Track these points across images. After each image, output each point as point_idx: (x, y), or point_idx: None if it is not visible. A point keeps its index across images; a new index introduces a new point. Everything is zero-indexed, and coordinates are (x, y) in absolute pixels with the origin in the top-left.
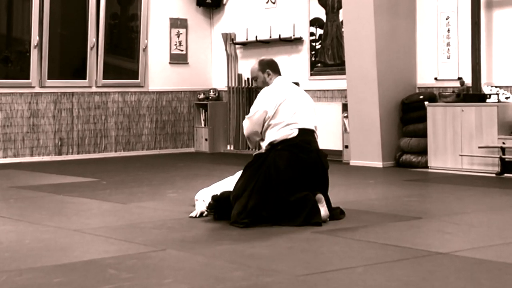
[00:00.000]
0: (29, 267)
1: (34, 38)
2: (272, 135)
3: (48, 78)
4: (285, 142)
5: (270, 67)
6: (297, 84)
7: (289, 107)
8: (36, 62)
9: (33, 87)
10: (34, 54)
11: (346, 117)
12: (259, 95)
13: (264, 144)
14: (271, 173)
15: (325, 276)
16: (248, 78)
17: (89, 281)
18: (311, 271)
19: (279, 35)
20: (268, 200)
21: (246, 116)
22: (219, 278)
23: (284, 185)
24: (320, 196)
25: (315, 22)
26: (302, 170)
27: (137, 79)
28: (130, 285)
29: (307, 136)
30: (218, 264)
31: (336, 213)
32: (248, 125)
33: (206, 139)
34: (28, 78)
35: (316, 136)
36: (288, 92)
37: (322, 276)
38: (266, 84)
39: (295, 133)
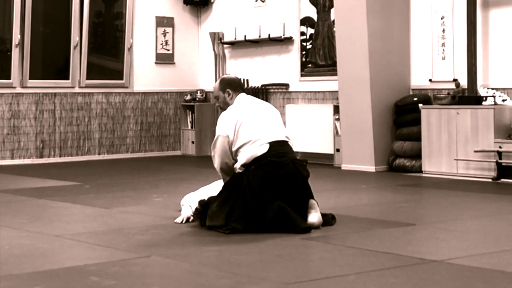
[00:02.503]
0: (8, 273)
1: (16, 37)
2: (243, 157)
3: (30, 78)
4: (257, 161)
5: (230, 87)
6: (286, 86)
7: (251, 124)
8: (18, 61)
9: (14, 87)
10: (15, 53)
11: (338, 119)
12: (218, 122)
13: (237, 166)
14: (247, 197)
15: (315, 284)
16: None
17: None
18: (301, 279)
19: (269, 35)
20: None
21: (212, 150)
22: (205, 286)
23: (260, 207)
24: (313, 202)
25: (305, 21)
26: (279, 186)
27: (122, 79)
28: None
29: (280, 148)
30: (205, 272)
31: (328, 219)
32: (216, 159)
33: (193, 142)
34: (9, 78)
35: (291, 145)
36: (248, 109)
37: (312, 284)
38: (226, 104)
39: (265, 148)
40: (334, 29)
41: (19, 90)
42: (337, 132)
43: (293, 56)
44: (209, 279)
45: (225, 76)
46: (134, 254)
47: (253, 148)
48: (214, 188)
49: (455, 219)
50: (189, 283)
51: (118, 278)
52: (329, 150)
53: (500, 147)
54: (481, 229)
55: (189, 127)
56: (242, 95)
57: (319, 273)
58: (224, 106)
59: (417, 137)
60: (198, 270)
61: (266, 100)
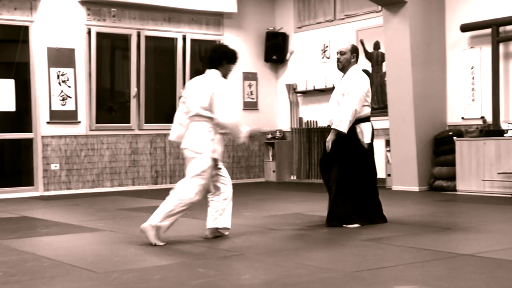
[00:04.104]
0: (134, 267)
1: (133, 90)
2: None
3: (145, 122)
4: None
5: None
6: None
7: None
8: (135, 109)
9: (133, 129)
10: (133, 103)
11: (389, 151)
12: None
13: None
14: None
15: (372, 272)
16: (307, 121)
17: (183, 277)
18: (361, 268)
19: (333, 85)
20: None
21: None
22: (286, 275)
23: None
24: None
25: None
26: None
27: None
28: (215, 280)
29: None
30: (286, 264)
31: None
32: None
33: (273, 171)
34: (128, 122)
35: None
36: None
37: (370, 272)
38: None
39: None
40: (386, 78)
41: (137, 132)
42: (388, 161)
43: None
44: (289, 269)
45: None
46: (231, 252)
47: None
48: None
49: (482, 224)
50: (274, 273)
51: (219, 269)
52: (382, 175)
53: None
54: (502, 231)
55: (271, 159)
56: None
57: (375, 264)
58: None
59: (452, 163)
60: (281, 263)
61: None
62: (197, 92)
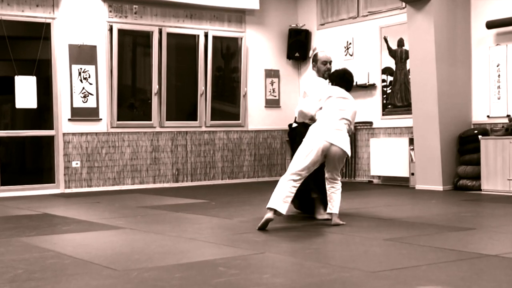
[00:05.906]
0: (154, 266)
1: (154, 87)
2: None
3: (166, 120)
4: None
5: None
6: (371, 123)
7: None
8: (156, 107)
9: (154, 127)
10: (154, 101)
11: (412, 149)
12: None
13: None
14: None
15: (395, 272)
16: None
17: (203, 276)
18: (383, 268)
19: (356, 82)
20: None
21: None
22: (308, 274)
23: None
24: None
25: (386, 71)
26: None
27: (239, 120)
28: (236, 279)
29: None
30: (307, 264)
31: None
32: None
33: None
34: (150, 120)
35: None
36: None
37: (392, 272)
38: None
39: None
40: (409, 76)
41: (158, 129)
42: (412, 159)
43: (376, 99)
44: (310, 268)
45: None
46: (252, 251)
47: None
48: None
49: (507, 225)
50: (295, 272)
51: (240, 268)
52: (406, 174)
53: None
54: None
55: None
56: None
57: (398, 264)
58: None
59: (477, 162)
60: (302, 262)
61: (355, 136)
62: (348, 106)
